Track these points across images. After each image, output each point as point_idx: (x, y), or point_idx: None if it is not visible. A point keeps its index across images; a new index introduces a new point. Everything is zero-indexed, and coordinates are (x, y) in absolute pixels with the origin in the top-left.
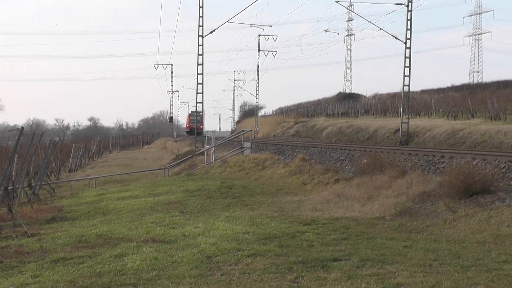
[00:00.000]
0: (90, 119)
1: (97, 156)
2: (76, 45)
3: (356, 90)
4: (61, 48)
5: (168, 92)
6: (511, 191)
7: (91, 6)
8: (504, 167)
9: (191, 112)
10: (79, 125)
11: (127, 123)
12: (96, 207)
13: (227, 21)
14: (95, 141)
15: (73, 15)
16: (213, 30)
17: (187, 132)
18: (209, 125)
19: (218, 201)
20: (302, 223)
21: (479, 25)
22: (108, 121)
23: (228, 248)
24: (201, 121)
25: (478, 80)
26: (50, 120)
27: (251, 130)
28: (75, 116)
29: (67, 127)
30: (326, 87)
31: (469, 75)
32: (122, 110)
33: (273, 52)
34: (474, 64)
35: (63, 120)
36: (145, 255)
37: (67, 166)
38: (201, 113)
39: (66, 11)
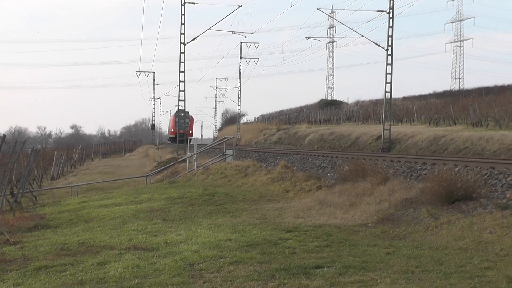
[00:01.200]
0: (72, 127)
1: (79, 164)
2: (58, 52)
3: (338, 97)
4: (43, 55)
5: (150, 100)
6: (493, 198)
7: (72, 14)
8: (486, 174)
9: (177, 112)
10: (61, 133)
11: (109, 131)
12: (78, 215)
13: (209, 28)
14: (77, 148)
15: (55, 23)
16: (195, 38)
17: (171, 139)
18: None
19: (201, 208)
20: (285, 230)
21: (460, 32)
22: (90, 128)
23: (210, 256)
24: (190, 125)
25: (459, 87)
26: (32, 128)
27: (233, 137)
28: (57, 123)
29: (49, 134)
30: (308, 94)
31: (451, 81)
32: (104, 118)
33: (255, 59)
34: (455, 70)
35: (45, 128)
36: (127, 262)
37: (49, 174)
38: (189, 114)
39: (48, 19)
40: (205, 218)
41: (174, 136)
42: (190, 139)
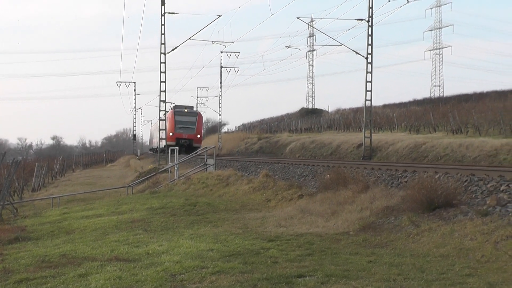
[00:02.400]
0: (53, 138)
1: (60, 175)
2: (38, 63)
3: (318, 105)
4: (23, 66)
5: (131, 110)
6: (474, 205)
7: (53, 25)
8: (466, 181)
9: (176, 108)
10: (42, 144)
11: (90, 141)
12: (60, 226)
13: (189, 38)
14: (58, 160)
15: (35, 33)
16: (175, 48)
17: (167, 147)
18: None
19: (182, 218)
20: (266, 239)
21: (439, 39)
22: (71, 139)
23: (192, 266)
24: (198, 126)
25: (439, 94)
26: (12, 139)
27: (214, 147)
28: (38, 135)
29: (30, 146)
30: (289, 103)
31: (431, 89)
32: (85, 128)
33: (235, 69)
34: (435, 78)
35: (26, 139)
36: (109, 274)
37: (30, 185)
38: (196, 110)
39: (28, 29)
40: (186, 228)
41: (173, 143)
42: (198, 147)
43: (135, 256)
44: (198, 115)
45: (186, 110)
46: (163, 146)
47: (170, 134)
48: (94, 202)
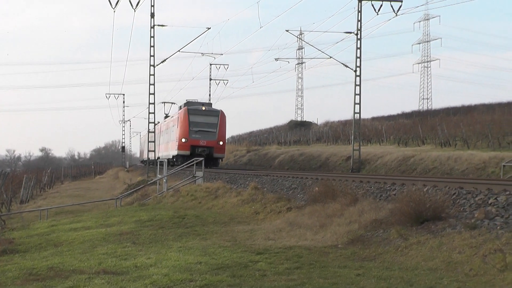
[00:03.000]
0: (42, 150)
1: (49, 187)
2: (27, 75)
3: (307, 118)
4: (12, 78)
5: (120, 122)
6: (462, 218)
7: (42, 36)
8: (454, 194)
9: (189, 105)
10: (30, 156)
11: (79, 153)
12: (48, 239)
13: (178, 50)
14: (46, 171)
15: (24, 45)
16: (165, 60)
17: (177, 156)
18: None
19: (171, 231)
20: (255, 252)
21: (427, 52)
22: (60, 151)
23: (181, 279)
24: (221, 129)
25: (427, 107)
26: (1, 151)
27: (203, 159)
28: (27, 146)
29: (19, 158)
30: (278, 115)
31: (419, 102)
32: (74, 140)
33: (224, 81)
34: (423, 91)
35: (14, 151)
36: (97, 287)
37: (18, 197)
38: (216, 108)
39: (17, 41)
40: (175, 241)
41: (186, 152)
42: (220, 159)
43: (123, 269)
44: (220, 114)
45: (204, 108)
46: (171, 157)
47: (183, 140)
48: (83, 215)
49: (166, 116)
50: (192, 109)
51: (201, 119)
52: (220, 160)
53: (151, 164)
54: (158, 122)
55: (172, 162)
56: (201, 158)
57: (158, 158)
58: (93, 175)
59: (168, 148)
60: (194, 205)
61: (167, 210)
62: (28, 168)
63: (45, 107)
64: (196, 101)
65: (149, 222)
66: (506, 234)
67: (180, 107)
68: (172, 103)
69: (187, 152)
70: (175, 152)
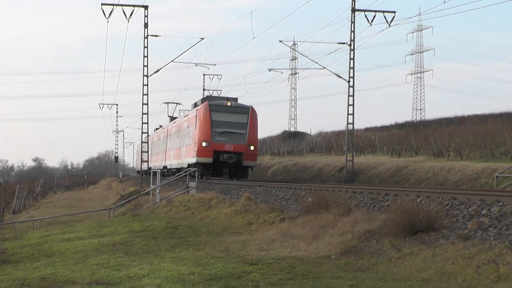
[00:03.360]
0: (35, 160)
1: (41, 197)
2: (20, 85)
3: (301, 128)
4: (5, 88)
5: (113, 132)
6: (455, 229)
7: (35, 46)
8: (447, 204)
9: (211, 100)
10: (23, 166)
11: (72, 163)
12: (40, 249)
13: (172, 60)
14: (39, 181)
15: (18, 55)
16: (158, 70)
17: (196, 165)
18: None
19: (164, 241)
20: (248, 263)
21: (420, 63)
22: (53, 161)
23: None
24: (251, 130)
25: (421, 118)
26: None
27: (196, 169)
28: (20, 156)
29: (11, 167)
30: (271, 126)
31: (412, 112)
32: (67, 150)
33: (218, 91)
34: (416, 101)
35: (7, 161)
36: None
37: (11, 207)
38: (245, 104)
39: (10, 51)
40: (168, 251)
41: (208, 160)
42: (251, 168)
43: (116, 279)
44: (250, 111)
45: (229, 104)
46: (187, 165)
47: (204, 144)
48: (75, 225)
49: (172, 118)
50: (215, 104)
51: (227, 118)
52: (250, 169)
53: (144, 174)
54: (161, 126)
55: (190, 172)
56: (194, 169)
57: (165, 167)
58: (86, 185)
59: (180, 155)
60: (187, 216)
61: (160, 220)
62: (21, 178)
63: (38, 117)
64: (219, 96)
65: (142, 232)
66: (499, 245)
67: (196, 104)
68: (177, 103)
69: (209, 160)
70: (192, 160)
